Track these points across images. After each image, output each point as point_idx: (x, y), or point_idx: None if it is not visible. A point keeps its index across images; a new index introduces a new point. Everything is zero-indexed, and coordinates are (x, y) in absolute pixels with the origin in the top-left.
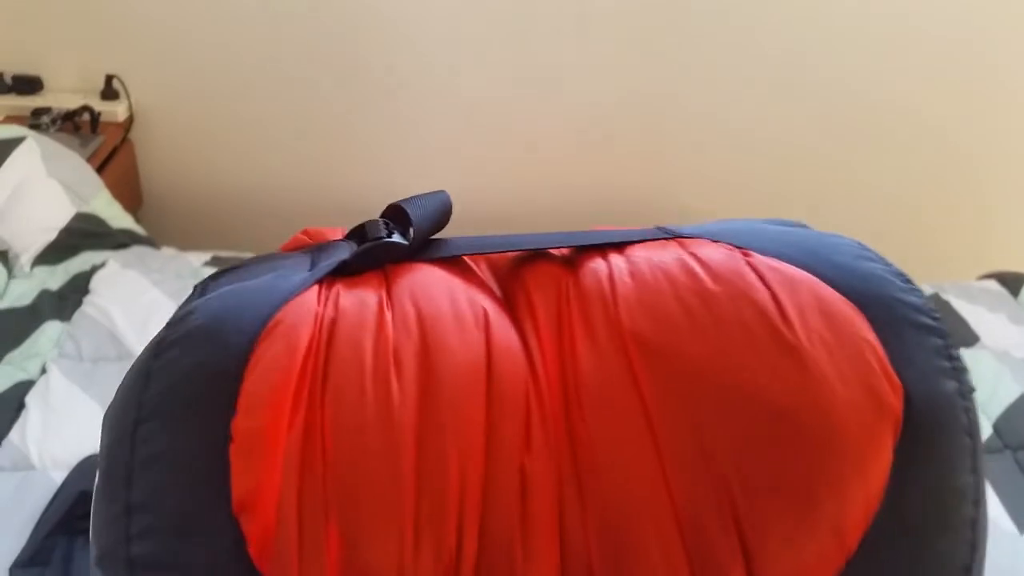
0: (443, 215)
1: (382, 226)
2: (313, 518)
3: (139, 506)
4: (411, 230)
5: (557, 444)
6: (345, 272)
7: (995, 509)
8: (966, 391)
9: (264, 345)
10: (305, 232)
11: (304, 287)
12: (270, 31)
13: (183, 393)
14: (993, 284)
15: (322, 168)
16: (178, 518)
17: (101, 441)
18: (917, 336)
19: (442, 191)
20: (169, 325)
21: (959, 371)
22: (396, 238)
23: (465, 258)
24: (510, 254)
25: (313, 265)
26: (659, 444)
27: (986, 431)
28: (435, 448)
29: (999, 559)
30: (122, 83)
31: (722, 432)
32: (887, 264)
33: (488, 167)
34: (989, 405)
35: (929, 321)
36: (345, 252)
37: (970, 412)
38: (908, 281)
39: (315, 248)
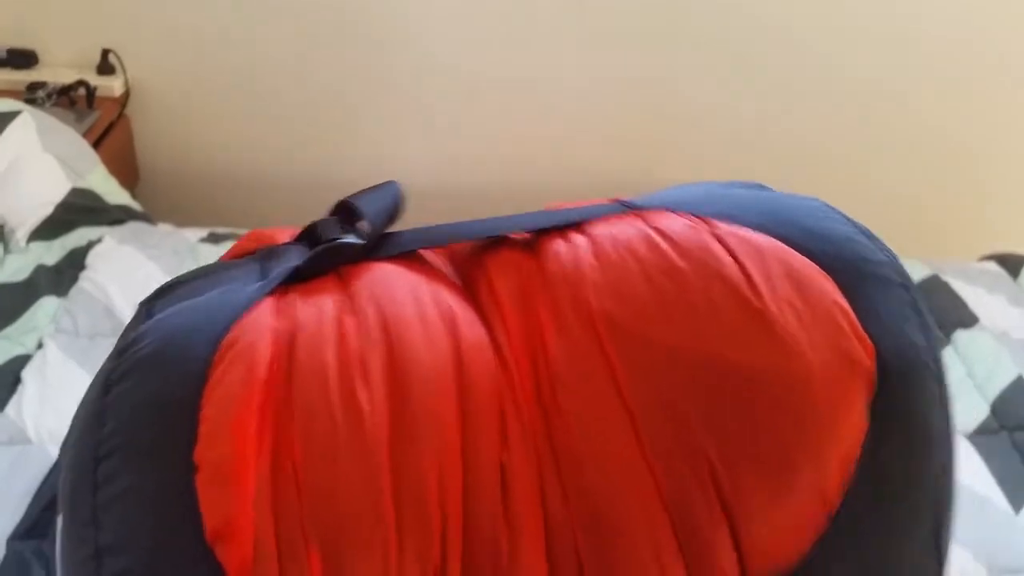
0: (396, 208)
1: (335, 225)
2: (292, 545)
3: (109, 548)
4: (365, 225)
5: (534, 436)
6: (299, 278)
7: (991, 489)
8: (933, 341)
9: (220, 368)
10: (251, 236)
11: (257, 300)
12: (267, 7)
13: (140, 427)
14: (993, 266)
15: (319, 144)
16: (151, 555)
17: (62, 479)
18: (884, 292)
19: (392, 182)
20: (118, 354)
21: (926, 322)
22: (350, 238)
23: (422, 251)
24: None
25: (263, 274)
26: (637, 426)
27: (983, 412)
28: (411, 460)
29: (995, 537)
30: (118, 58)
31: (697, 406)
32: (851, 222)
33: (488, 147)
34: (987, 386)
35: (894, 276)
36: (297, 257)
37: (938, 361)
38: (872, 238)
39: (264, 254)
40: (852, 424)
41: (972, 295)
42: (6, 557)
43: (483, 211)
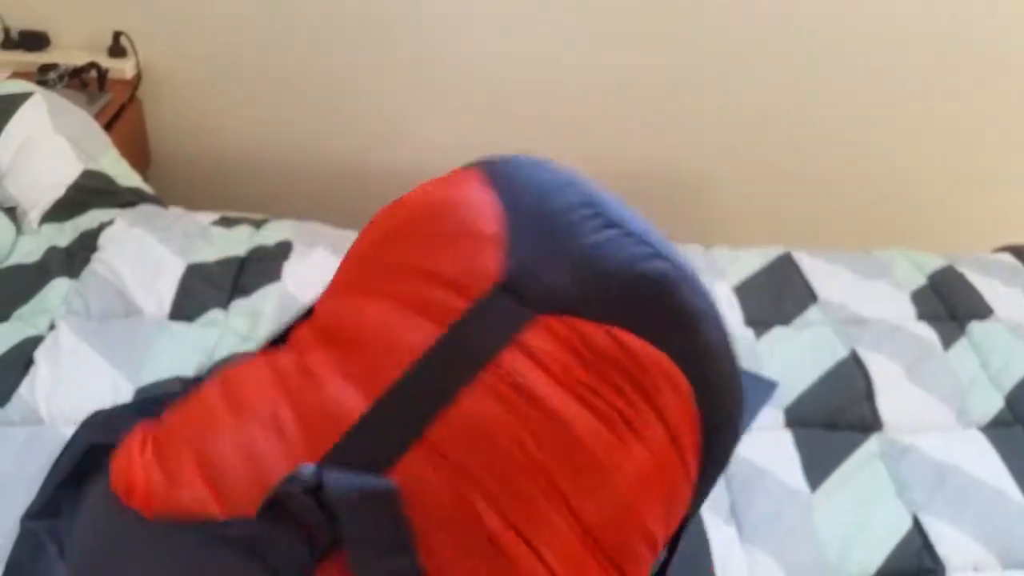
0: None
1: None
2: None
3: None
4: None
5: None
6: None
7: (1005, 482)
8: (677, 263)
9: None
10: None
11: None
12: None
13: None
14: (1008, 257)
15: (331, 128)
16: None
17: None
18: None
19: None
20: None
21: (660, 251)
22: None
23: None
24: None
25: None
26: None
27: (997, 404)
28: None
29: (1009, 530)
30: (130, 40)
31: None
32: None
33: (505, 132)
34: (1001, 378)
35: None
36: None
37: (689, 279)
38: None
39: None
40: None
41: (987, 287)
42: (20, 535)
43: None
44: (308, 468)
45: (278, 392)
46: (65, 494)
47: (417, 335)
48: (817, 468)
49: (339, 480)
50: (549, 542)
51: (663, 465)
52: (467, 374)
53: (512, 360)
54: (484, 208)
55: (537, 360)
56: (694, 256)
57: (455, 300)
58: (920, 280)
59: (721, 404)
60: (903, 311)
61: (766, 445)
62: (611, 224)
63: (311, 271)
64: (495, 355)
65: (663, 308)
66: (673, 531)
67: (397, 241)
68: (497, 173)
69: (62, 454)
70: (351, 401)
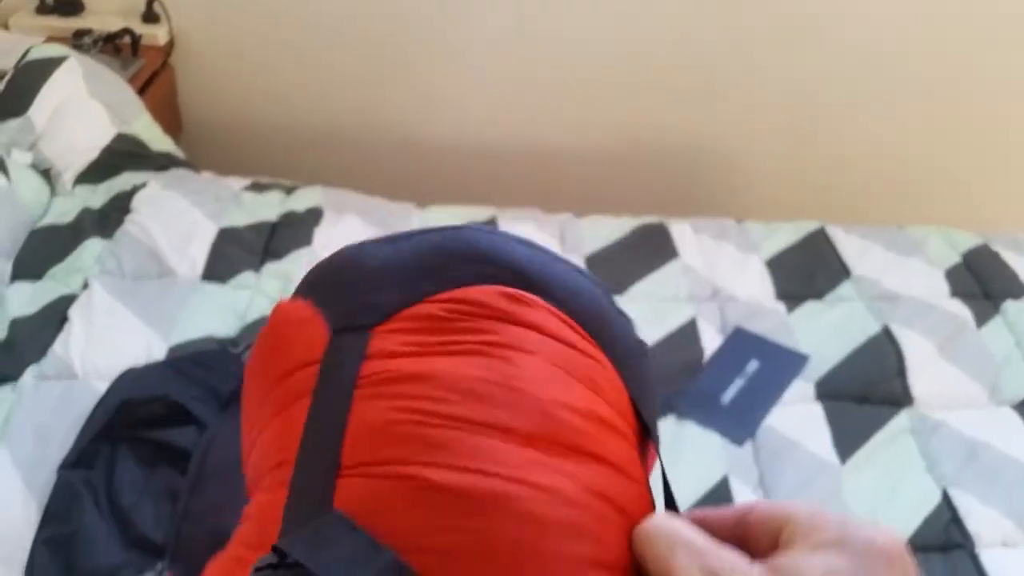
0: None
1: None
2: None
3: None
4: None
5: None
6: None
7: None
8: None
9: None
10: None
11: None
12: None
13: None
14: None
15: (361, 96)
16: None
17: None
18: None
19: None
20: None
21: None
22: None
23: None
24: None
25: None
26: None
27: None
28: None
29: None
30: (163, 6)
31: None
32: None
33: (533, 99)
34: None
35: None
36: None
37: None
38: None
39: None
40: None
41: (1022, 266)
42: (57, 484)
43: (534, 168)
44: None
45: None
46: (100, 447)
47: (297, 415)
48: (847, 441)
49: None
50: (500, 461)
51: (555, 358)
52: (344, 404)
53: (372, 366)
54: (297, 308)
55: (392, 353)
56: (727, 230)
57: (305, 373)
58: (954, 258)
59: (580, 304)
60: (936, 288)
61: (796, 418)
62: (393, 239)
63: (341, 237)
64: (356, 376)
65: (474, 257)
66: (631, 409)
67: (250, 378)
68: (307, 287)
69: (97, 408)
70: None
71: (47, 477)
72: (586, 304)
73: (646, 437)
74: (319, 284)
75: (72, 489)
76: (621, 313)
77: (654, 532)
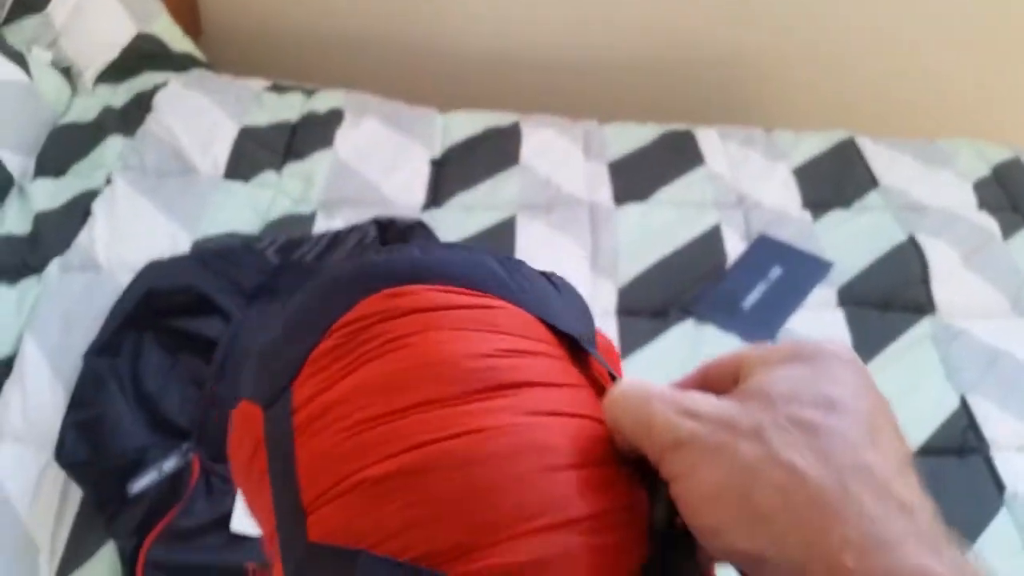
0: None
1: None
2: None
3: None
4: None
5: None
6: None
7: None
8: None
9: None
10: None
11: None
12: None
13: None
14: None
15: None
16: None
17: None
18: None
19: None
20: None
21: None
22: None
23: None
24: None
25: None
26: None
27: None
28: None
29: None
30: None
31: None
32: None
33: (556, 5)
34: None
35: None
36: None
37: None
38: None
39: None
40: None
41: None
42: (83, 371)
43: (558, 76)
44: None
45: None
46: (125, 335)
47: (265, 492)
48: (867, 346)
49: None
50: (433, 429)
51: (453, 323)
52: (290, 459)
53: (299, 416)
54: (240, 410)
55: (311, 396)
56: (754, 138)
57: (258, 456)
58: (984, 170)
59: (465, 272)
60: (964, 200)
61: (817, 323)
62: (285, 308)
63: (362, 139)
64: (291, 430)
65: (355, 278)
66: (548, 331)
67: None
68: None
69: (122, 297)
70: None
71: (73, 364)
72: (472, 269)
73: (582, 347)
74: (243, 382)
75: (98, 375)
76: (519, 267)
77: (626, 392)
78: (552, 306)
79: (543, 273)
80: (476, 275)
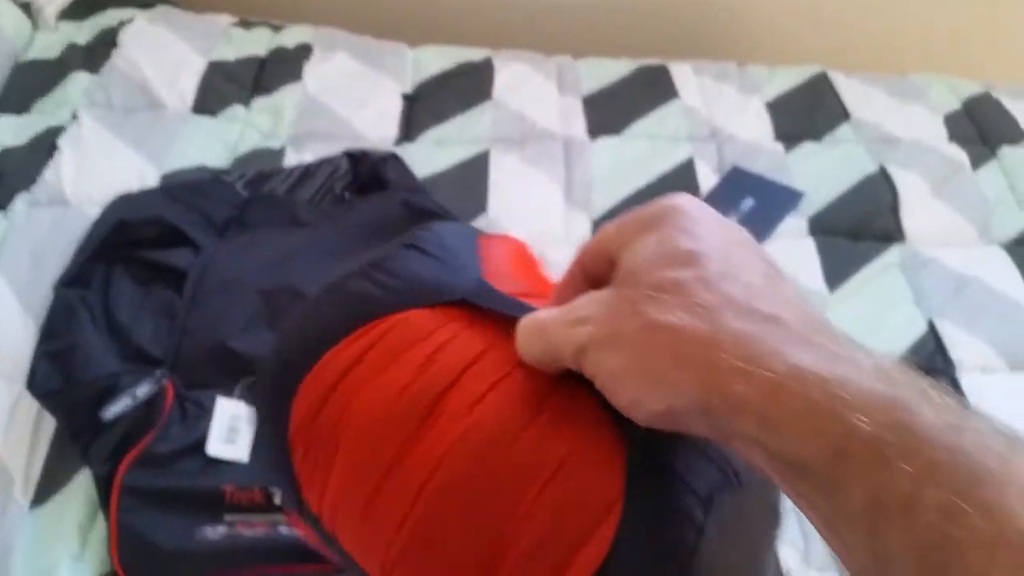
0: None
1: None
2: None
3: None
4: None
5: None
6: None
7: (1021, 294)
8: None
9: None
10: None
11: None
12: None
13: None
14: None
15: None
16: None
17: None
18: None
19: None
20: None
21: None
22: None
23: None
24: None
25: None
26: None
27: (1021, 225)
28: None
29: (1019, 336)
30: None
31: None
32: None
33: None
34: None
35: None
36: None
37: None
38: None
39: None
40: None
41: (1022, 113)
42: (54, 303)
43: (531, 11)
44: None
45: None
46: (95, 267)
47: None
48: (837, 273)
49: None
50: (414, 479)
51: (368, 375)
52: (343, 551)
53: (325, 521)
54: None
55: (319, 501)
56: (728, 72)
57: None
58: (954, 104)
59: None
60: (935, 132)
61: (788, 251)
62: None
63: (332, 74)
64: (335, 539)
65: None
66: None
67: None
68: None
69: (92, 229)
70: None
71: (43, 298)
72: (353, 306)
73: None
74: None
75: (69, 306)
76: (385, 263)
77: (524, 331)
78: (430, 283)
79: (407, 244)
80: (361, 311)
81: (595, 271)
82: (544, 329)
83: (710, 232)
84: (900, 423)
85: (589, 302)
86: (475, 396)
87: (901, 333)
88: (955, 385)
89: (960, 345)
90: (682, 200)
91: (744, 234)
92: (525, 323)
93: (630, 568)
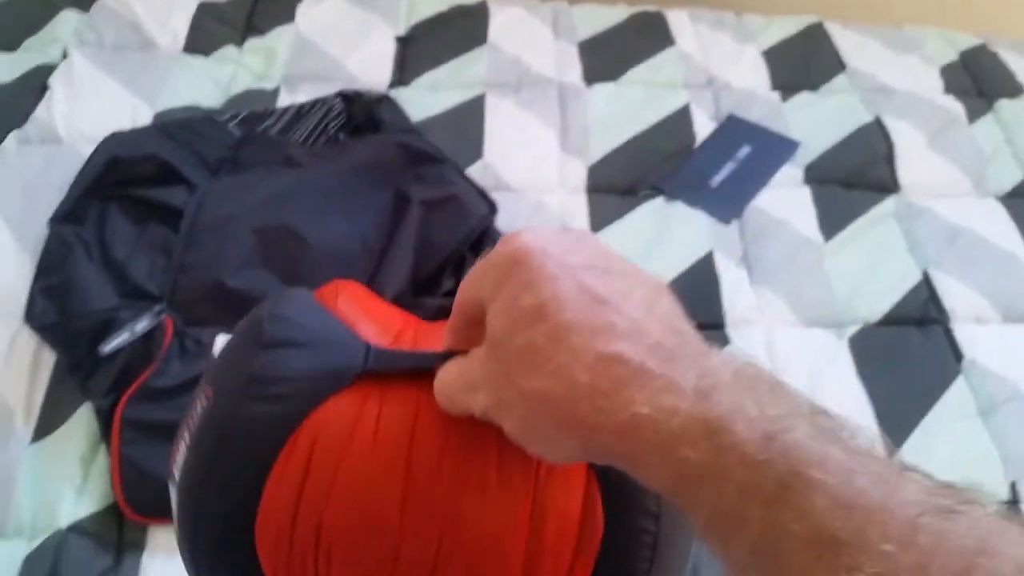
0: None
1: None
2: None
3: None
4: None
5: None
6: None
7: (1017, 246)
8: None
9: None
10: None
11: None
12: None
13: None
14: None
15: None
16: None
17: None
18: None
19: None
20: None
21: None
22: None
23: None
24: None
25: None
26: None
27: (1017, 177)
28: None
29: (1014, 289)
30: None
31: None
32: None
33: None
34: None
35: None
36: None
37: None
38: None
39: None
40: None
41: (1020, 67)
42: (49, 237)
43: None
44: None
45: None
46: (89, 204)
47: None
48: (832, 222)
49: None
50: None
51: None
52: None
53: None
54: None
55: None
56: (725, 21)
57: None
58: (951, 56)
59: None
60: (931, 84)
61: (784, 200)
62: None
63: (324, 14)
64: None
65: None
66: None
67: None
68: None
69: (86, 166)
70: None
71: (38, 234)
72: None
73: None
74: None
75: (64, 241)
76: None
77: (438, 395)
78: (320, 374)
79: (267, 344)
80: (272, 435)
81: (475, 314)
82: (451, 397)
83: (550, 277)
84: (719, 447)
85: (475, 364)
86: (434, 463)
87: (896, 282)
88: (948, 335)
89: (954, 294)
90: (521, 247)
91: (586, 250)
92: (436, 390)
93: None
